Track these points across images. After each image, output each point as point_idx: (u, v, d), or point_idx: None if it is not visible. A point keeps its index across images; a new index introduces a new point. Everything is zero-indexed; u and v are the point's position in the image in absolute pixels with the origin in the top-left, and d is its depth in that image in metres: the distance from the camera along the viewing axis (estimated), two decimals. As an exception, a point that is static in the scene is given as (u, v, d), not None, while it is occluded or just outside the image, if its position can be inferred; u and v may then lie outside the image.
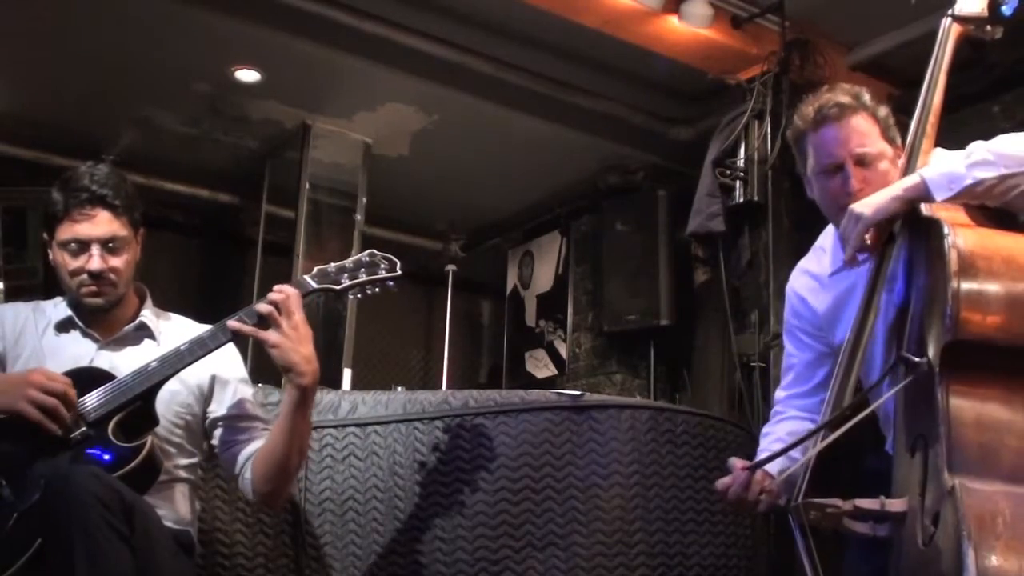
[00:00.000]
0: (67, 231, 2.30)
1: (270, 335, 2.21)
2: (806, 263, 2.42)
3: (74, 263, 2.31)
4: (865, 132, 2.17)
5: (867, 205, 2.01)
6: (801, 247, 4.24)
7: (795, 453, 2.13)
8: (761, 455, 2.29)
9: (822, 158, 2.19)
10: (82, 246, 2.30)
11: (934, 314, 1.88)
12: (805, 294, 2.38)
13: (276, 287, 2.27)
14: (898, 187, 2.02)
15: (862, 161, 2.15)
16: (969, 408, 1.81)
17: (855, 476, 2.20)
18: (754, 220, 4.49)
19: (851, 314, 2.14)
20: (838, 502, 1.91)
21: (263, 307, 2.23)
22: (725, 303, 4.54)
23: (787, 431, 2.35)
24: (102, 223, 2.30)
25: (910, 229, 2.02)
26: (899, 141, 2.20)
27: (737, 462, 2.22)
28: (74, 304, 2.39)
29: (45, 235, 2.37)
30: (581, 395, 3.03)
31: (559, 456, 2.90)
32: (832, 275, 2.28)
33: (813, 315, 2.36)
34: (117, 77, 4.81)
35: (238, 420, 2.40)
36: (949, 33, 2.20)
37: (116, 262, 2.32)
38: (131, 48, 4.56)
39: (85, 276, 2.31)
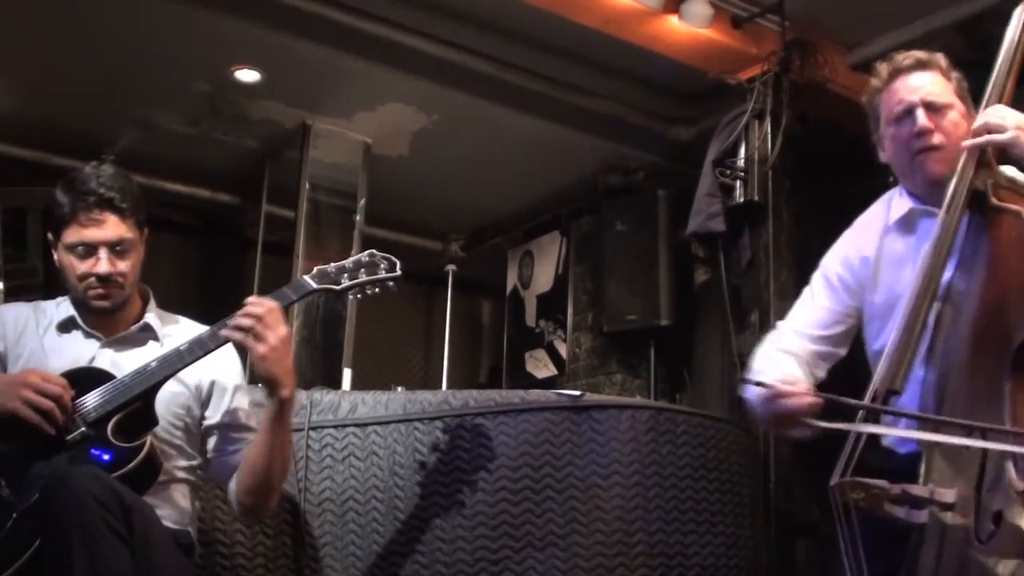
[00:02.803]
0: (74, 235, 2.29)
1: (260, 347, 2.20)
2: (876, 208, 2.37)
3: (82, 267, 2.30)
4: (936, 83, 2.20)
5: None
6: (801, 247, 4.32)
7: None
8: (760, 375, 2.16)
9: (894, 106, 2.21)
10: (89, 250, 2.29)
11: (1009, 307, 1.82)
12: (863, 243, 2.32)
13: (252, 299, 2.25)
14: None
15: (932, 107, 2.17)
16: None
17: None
18: (754, 220, 4.48)
19: (891, 279, 2.18)
20: (885, 484, 1.85)
21: (244, 321, 2.20)
22: (725, 303, 4.53)
23: (782, 372, 2.20)
24: (110, 227, 2.29)
25: (973, 213, 1.98)
26: (971, 106, 2.20)
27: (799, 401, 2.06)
28: (78, 304, 2.39)
29: (50, 236, 2.36)
30: (581, 395, 3.02)
31: (559, 456, 2.90)
32: (896, 221, 2.27)
33: (864, 266, 2.31)
34: (117, 77, 4.80)
35: (230, 430, 2.40)
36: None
37: (123, 265, 2.32)
38: (131, 48, 4.55)
39: (93, 279, 2.30)
